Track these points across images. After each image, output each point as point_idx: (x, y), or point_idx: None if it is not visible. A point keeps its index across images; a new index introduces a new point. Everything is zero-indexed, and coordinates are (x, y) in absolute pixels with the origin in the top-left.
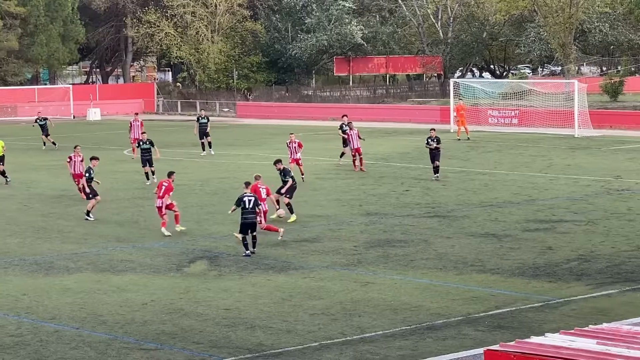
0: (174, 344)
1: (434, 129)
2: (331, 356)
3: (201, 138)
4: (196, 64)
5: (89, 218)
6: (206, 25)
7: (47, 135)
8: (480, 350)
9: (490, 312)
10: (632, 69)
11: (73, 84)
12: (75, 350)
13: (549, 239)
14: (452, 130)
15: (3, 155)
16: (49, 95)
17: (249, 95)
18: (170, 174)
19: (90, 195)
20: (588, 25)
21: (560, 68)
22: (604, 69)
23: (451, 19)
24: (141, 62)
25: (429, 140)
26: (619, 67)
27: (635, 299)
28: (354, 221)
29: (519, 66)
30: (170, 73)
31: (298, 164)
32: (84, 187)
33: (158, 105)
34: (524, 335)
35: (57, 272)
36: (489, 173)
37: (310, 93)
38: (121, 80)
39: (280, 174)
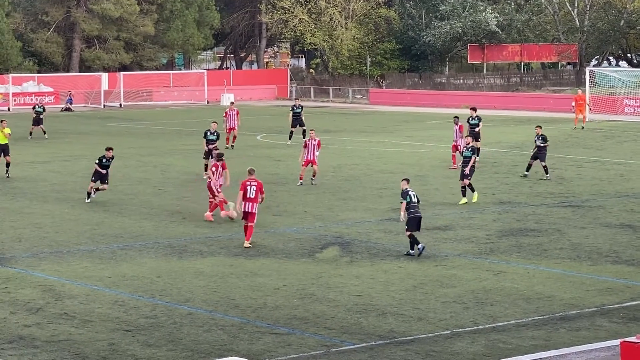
0: (306, 329)
1: (540, 127)
2: (463, 344)
3: (293, 126)
4: (329, 51)
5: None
6: (340, 12)
7: (39, 124)
8: (616, 342)
9: (625, 304)
10: None
11: (207, 70)
12: (208, 333)
13: None
14: (588, 120)
15: (7, 144)
16: (184, 80)
17: (382, 82)
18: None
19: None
20: None
21: None
22: None
23: (588, 6)
24: (275, 48)
25: (535, 139)
26: None
27: None
28: (486, 210)
29: None
30: (303, 59)
31: (314, 163)
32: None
33: (291, 92)
34: None
35: (191, 256)
36: (624, 163)
37: (443, 80)
38: (255, 66)
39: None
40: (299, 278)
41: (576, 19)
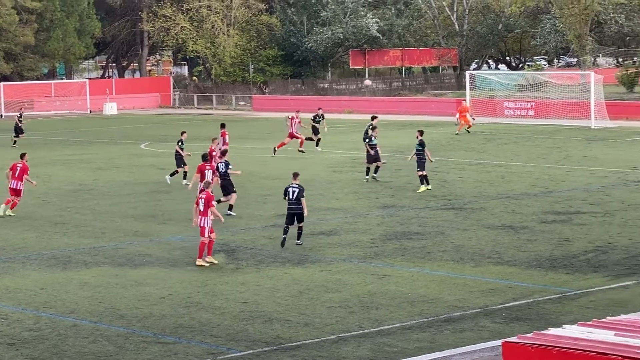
0: (192, 337)
1: (422, 131)
2: (349, 349)
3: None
4: (212, 58)
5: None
6: (222, 19)
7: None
8: (498, 342)
9: (508, 304)
10: None
11: (89, 79)
12: (93, 344)
13: (566, 230)
14: (455, 124)
15: None
16: (66, 90)
17: (265, 88)
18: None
19: None
20: (604, 17)
21: (576, 59)
22: (620, 60)
23: (467, 10)
24: (157, 56)
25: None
26: (635, 58)
27: None
28: (370, 214)
29: (534, 58)
30: (186, 67)
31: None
32: None
33: (174, 100)
34: (542, 327)
35: (75, 267)
36: (505, 165)
37: (326, 86)
38: (137, 75)
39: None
40: (184, 286)
41: (455, 23)
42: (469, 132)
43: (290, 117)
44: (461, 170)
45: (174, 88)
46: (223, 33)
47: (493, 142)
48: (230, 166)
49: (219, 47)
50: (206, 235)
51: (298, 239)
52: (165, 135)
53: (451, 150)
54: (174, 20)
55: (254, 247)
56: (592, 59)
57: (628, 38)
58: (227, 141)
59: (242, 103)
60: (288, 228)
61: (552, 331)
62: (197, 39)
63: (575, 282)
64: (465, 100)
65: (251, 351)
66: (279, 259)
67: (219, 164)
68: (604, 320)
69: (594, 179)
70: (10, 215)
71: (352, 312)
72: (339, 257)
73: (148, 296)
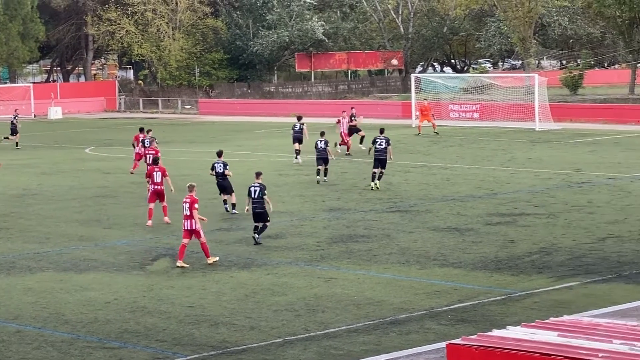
0: (137, 342)
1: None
2: (295, 352)
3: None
4: (157, 62)
5: None
6: (167, 23)
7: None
8: (443, 344)
9: (453, 306)
10: (592, 62)
11: (34, 83)
12: (37, 350)
13: (511, 232)
14: (413, 125)
15: None
16: (9, 94)
17: (211, 92)
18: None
19: None
20: (547, 19)
21: (520, 62)
22: (564, 62)
23: (412, 14)
24: (102, 60)
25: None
26: (579, 61)
27: (596, 291)
28: (316, 217)
29: (479, 60)
30: (131, 71)
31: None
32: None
33: (120, 104)
34: (486, 329)
35: (19, 272)
36: (450, 167)
37: (272, 89)
38: (82, 79)
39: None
40: (130, 291)
41: (401, 26)
42: (436, 133)
43: (338, 120)
44: (406, 172)
45: (120, 92)
46: (168, 37)
47: (438, 145)
48: (227, 167)
49: (164, 50)
50: (202, 237)
51: (258, 235)
52: (110, 139)
53: (396, 153)
54: (119, 23)
55: (200, 251)
56: (536, 62)
57: (571, 40)
58: (140, 145)
59: (188, 107)
60: (257, 227)
61: (496, 332)
62: (142, 43)
63: (519, 283)
64: (426, 100)
65: (197, 355)
66: (224, 262)
67: (216, 164)
68: (547, 321)
69: (539, 180)
70: None
71: (298, 316)
72: (285, 261)
73: (93, 301)
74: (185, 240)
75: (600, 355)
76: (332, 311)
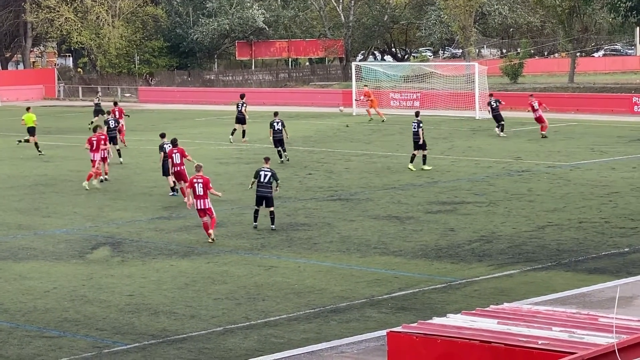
0: (77, 331)
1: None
2: (235, 340)
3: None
4: (97, 49)
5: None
6: (106, 10)
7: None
8: (384, 332)
9: (394, 294)
10: (532, 51)
11: None
12: None
13: (451, 220)
14: (354, 114)
15: (34, 127)
16: None
17: (151, 80)
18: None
19: None
20: (488, 8)
21: (461, 51)
22: (504, 51)
23: (352, 2)
24: (41, 47)
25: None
26: (519, 50)
27: (536, 279)
28: None
29: (420, 49)
30: (71, 58)
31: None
32: None
33: (59, 91)
34: (427, 317)
35: None
36: (391, 156)
37: (212, 77)
38: (21, 66)
39: None
40: (69, 280)
41: (341, 14)
42: (371, 120)
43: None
44: (347, 161)
45: (59, 80)
46: (108, 24)
47: (379, 133)
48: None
49: (103, 38)
50: (214, 215)
51: (272, 224)
52: (48, 127)
53: (337, 141)
54: (58, 11)
55: (140, 240)
56: (477, 50)
57: (512, 29)
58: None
59: (128, 95)
60: (258, 211)
61: (436, 320)
62: (81, 31)
63: (460, 271)
64: (366, 86)
65: (137, 344)
66: (165, 251)
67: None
68: (487, 309)
69: (479, 169)
70: None
71: (239, 304)
72: (225, 249)
73: (32, 290)
74: (205, 218)
75: (539, 342)
76: (272, 300)
